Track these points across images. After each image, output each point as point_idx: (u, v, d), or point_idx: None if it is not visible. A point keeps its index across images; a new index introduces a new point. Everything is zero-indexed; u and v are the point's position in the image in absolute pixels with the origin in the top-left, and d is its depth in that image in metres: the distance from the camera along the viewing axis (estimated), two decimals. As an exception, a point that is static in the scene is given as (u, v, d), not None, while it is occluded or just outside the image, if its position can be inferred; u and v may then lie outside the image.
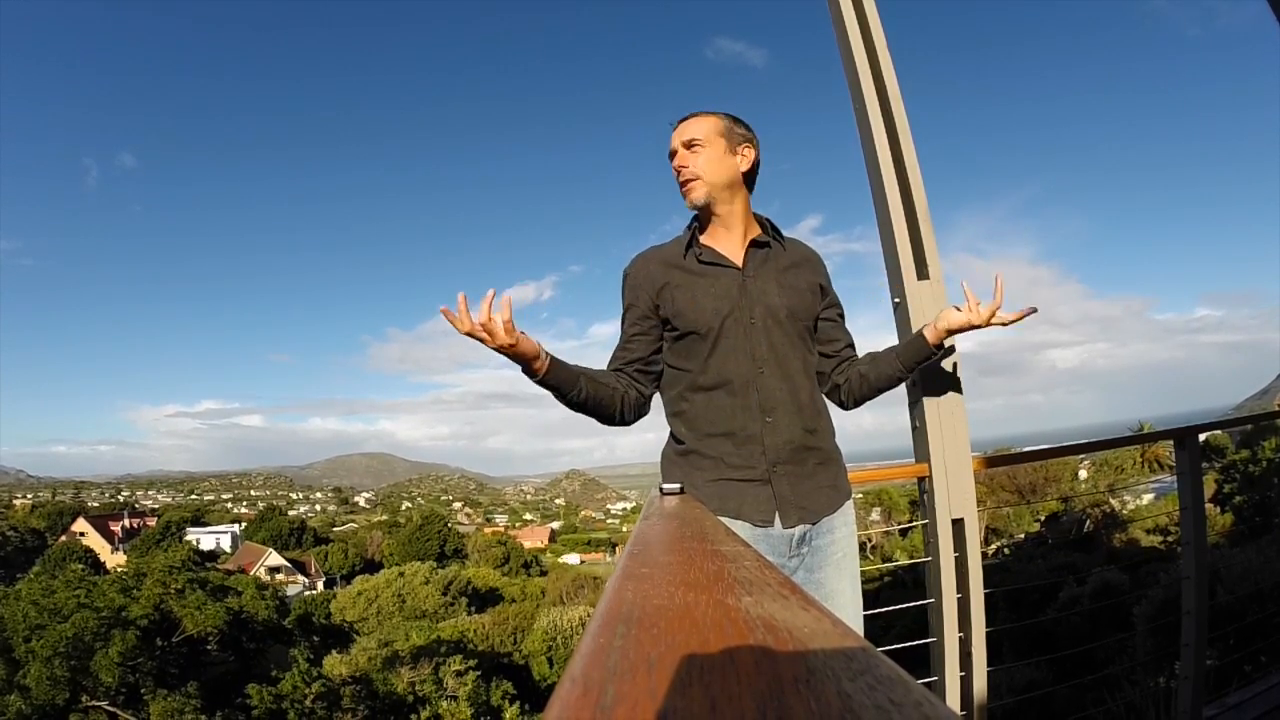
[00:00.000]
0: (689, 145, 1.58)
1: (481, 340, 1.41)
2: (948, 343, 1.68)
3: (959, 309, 1.63)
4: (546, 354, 1.49)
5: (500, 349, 1.42)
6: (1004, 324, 1.64)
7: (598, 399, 1.55)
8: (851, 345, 1.70)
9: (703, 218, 1.61)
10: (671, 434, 1.60)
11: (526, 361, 1.47)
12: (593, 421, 1.62)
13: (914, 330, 2.23)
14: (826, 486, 1.53)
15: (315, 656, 16.03)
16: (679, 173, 1.59)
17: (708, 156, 1.56)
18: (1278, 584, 4.48)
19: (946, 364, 2.19)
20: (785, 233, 1.66)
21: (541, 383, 1.50)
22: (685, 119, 1.62)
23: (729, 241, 1.59)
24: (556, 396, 1.54)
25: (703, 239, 1.61)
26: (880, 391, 1.67)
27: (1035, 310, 1.63)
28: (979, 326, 1.63)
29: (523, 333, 1.44)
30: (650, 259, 1.62)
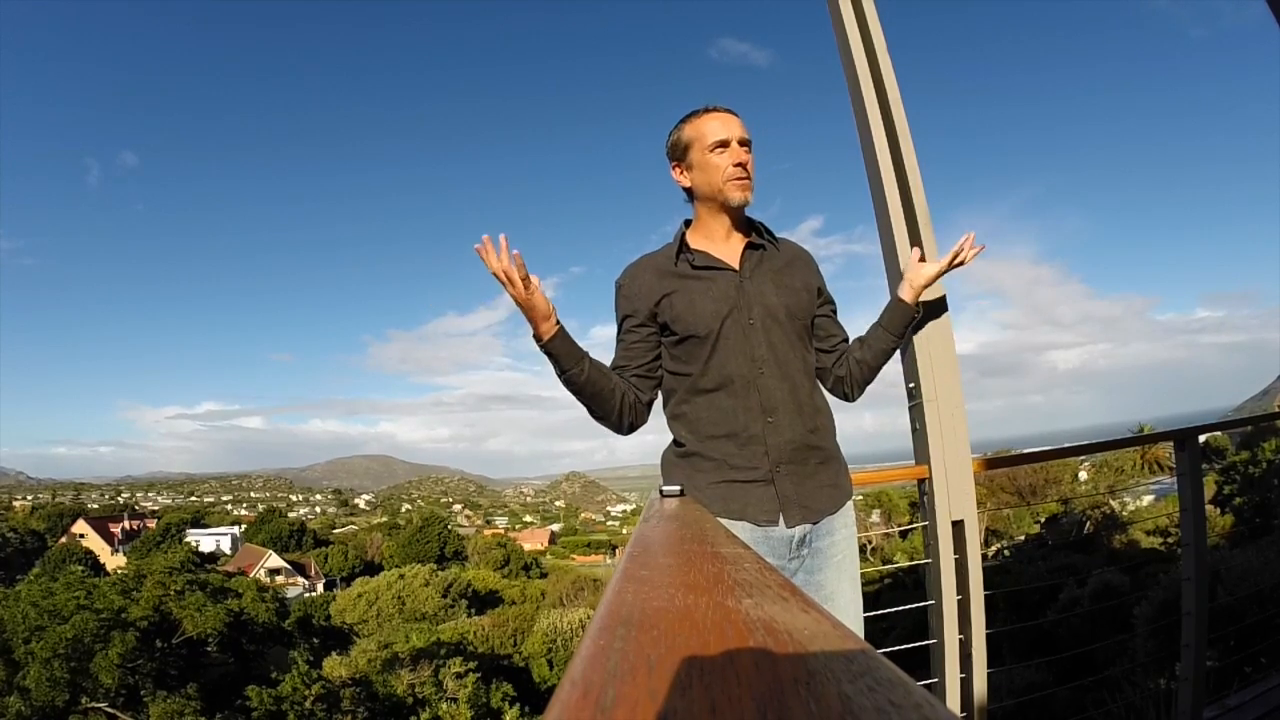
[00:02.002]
0: (746, 144, 1.56)
1: (503, 284, 1.44)
2: (927, 296, 1.85)
3: (924, 262, 1.76)
4: (557, 320, 1.50)
5: (516, 298, 1.44)
6: (964, 262, 1.77)
7: (598, 386, 1.53)
8: (847, 339, 1.71)
9: (706, 219, 1.60)
10: (673, 437, 1.60)
11: (536, 320, 1.48)
12: (593, 423, 1.59)
13: (912, 329, 2.24)
14: (828, 485, 1.53)
15: (315, 658, 16.02)
16: (743, 166, 1.54)
17: (753, 162, 1.57)
18: (1278, 585, 4.47)
19: (946, 364, 2.19)
20: (787, 233, 1.67)
21: (546, 348, 1.50)
22: (731, 111, 1.58)
23: (724, 245, 1.59)
24: (557, 370, 1.52)
25: (695, 244, 1.59)
26: (878, 368, 1.69)
27: (984, 248, 1.79)
28: (944, 271, 1.76)
29: (540, 291, 1.46)
30: (644, 268, 1.60)
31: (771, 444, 1.48)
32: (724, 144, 1.54)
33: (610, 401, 1.56)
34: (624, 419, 1.59)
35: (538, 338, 1.50)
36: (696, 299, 1.53)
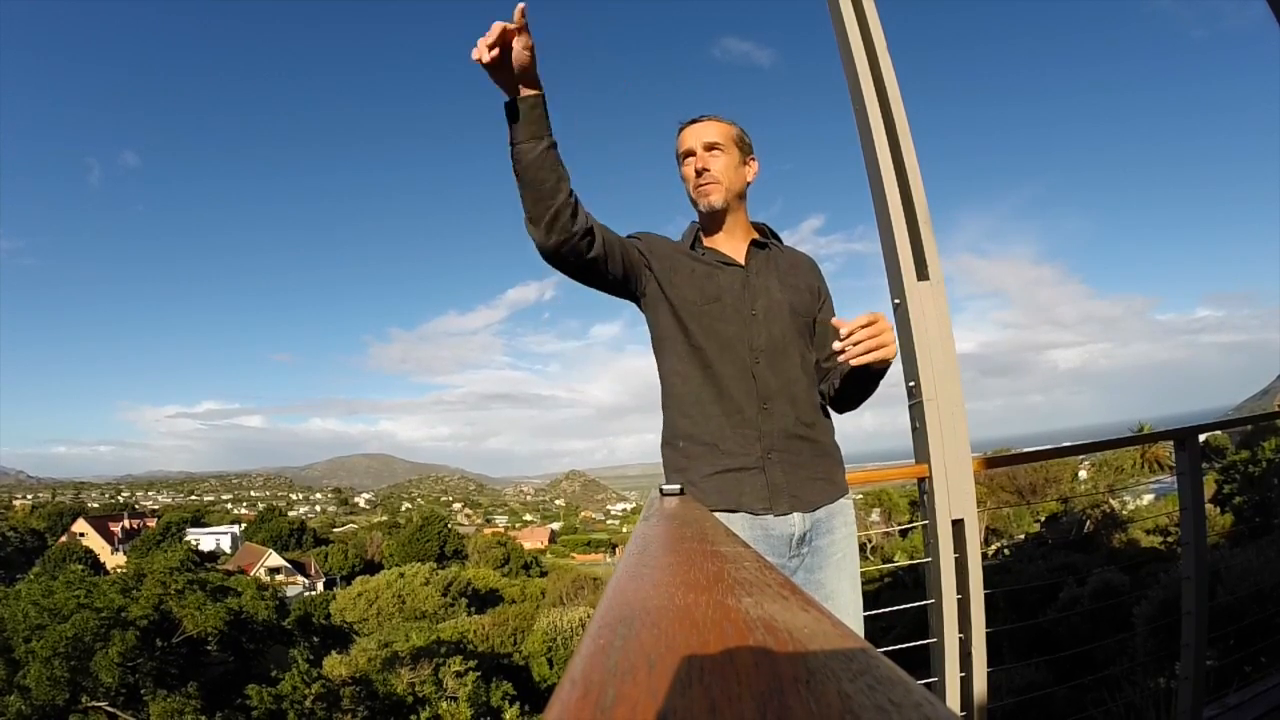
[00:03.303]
0: (709, 148, 1.58)
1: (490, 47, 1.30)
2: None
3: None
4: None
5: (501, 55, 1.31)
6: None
7: (557, 170, 1.38)
8: (840, 351, 1.68)
9: (706, 222, 1.63)
10: (667, 421, 1.59)
11: (519, 79, 1.34)
12: (593, 423, 1.57)
13: (914, 331, 2.24)
14: (821, 478, 1.53)
15: (315, 657, 16.02)
16: (701, 174, 1.57)
17: (725, 163, 1.58)
18: (1278, 584, 4.47)
19: (946, 363, 2.19)
20: (788, 232, 1.69)
21: (521, 106, 1.35)
22: (701, 120, 1.62)
23: (731, 244, 1.62)
24: (522, 140, 1.36)
25: (706, 242, 1.64)
26: (843, 402, 1.61)
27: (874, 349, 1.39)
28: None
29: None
30: (665, 238, 1.65)
31: (764, 430, 1.49)
32: (689, 153, 1.59)
33: (559, 190, 1.38)
34: (560, 215, 1.39)
35: (517, 96, 1.35)
36: (702, 279, 1.56)
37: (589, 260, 1.45)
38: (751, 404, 1.50)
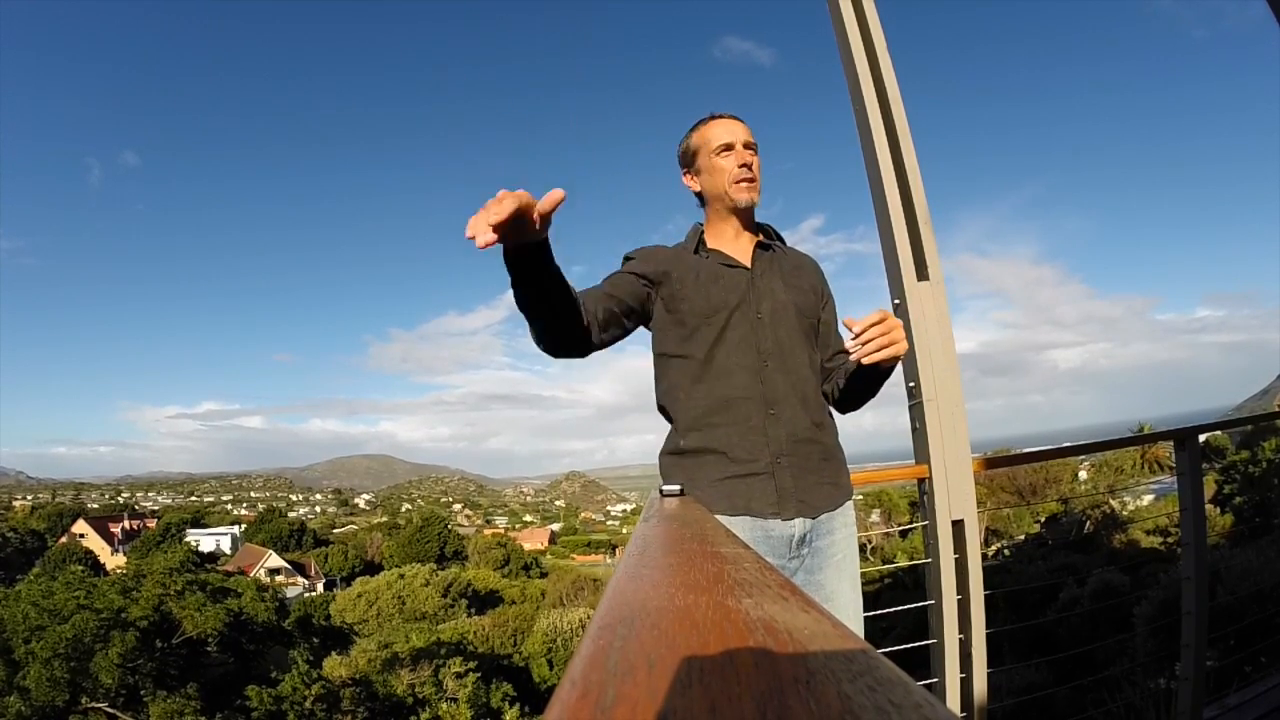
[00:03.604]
0: (749, 147, 1.60)
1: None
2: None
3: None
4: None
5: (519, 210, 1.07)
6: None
7: (573, 302, 1.34)
8: (843, 351, 1.70)
9: (716, 221, 1.63)
10: (671, 429, 1.58)
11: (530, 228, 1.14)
12: (593, 423, 1.57)
13: (914, 331, 2.25)
14: (828, 483, 1.53)
15: (315, 658, 16.00)
16: (747, 167, 1.58)
17: (758, 164, 1.60)
18: (1278, 584, 4.47)
19: (946, 363, 2.19)
20: (789, 232, 1.69)
21: (532, 252, 1.20)
22: (734, 117, 1.63)
23: (737, 245, 1.62)
24: (530, 276, 1.24)
25: (710, 243, 1.63)
26: (847, 402, 1.63)
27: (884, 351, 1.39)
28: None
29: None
30: (660, 249, 1.64)
31: (772, 435, 1.48)
32: (728, 147, 1.59)
33: (576, 320, 1.37)
34: (579, 341, 1.42)
35: (520, 248, 1.18)
36: (707, 285, 1.55)
37: (591, 351, 1.51)
38: (759, 409, 1.49)
